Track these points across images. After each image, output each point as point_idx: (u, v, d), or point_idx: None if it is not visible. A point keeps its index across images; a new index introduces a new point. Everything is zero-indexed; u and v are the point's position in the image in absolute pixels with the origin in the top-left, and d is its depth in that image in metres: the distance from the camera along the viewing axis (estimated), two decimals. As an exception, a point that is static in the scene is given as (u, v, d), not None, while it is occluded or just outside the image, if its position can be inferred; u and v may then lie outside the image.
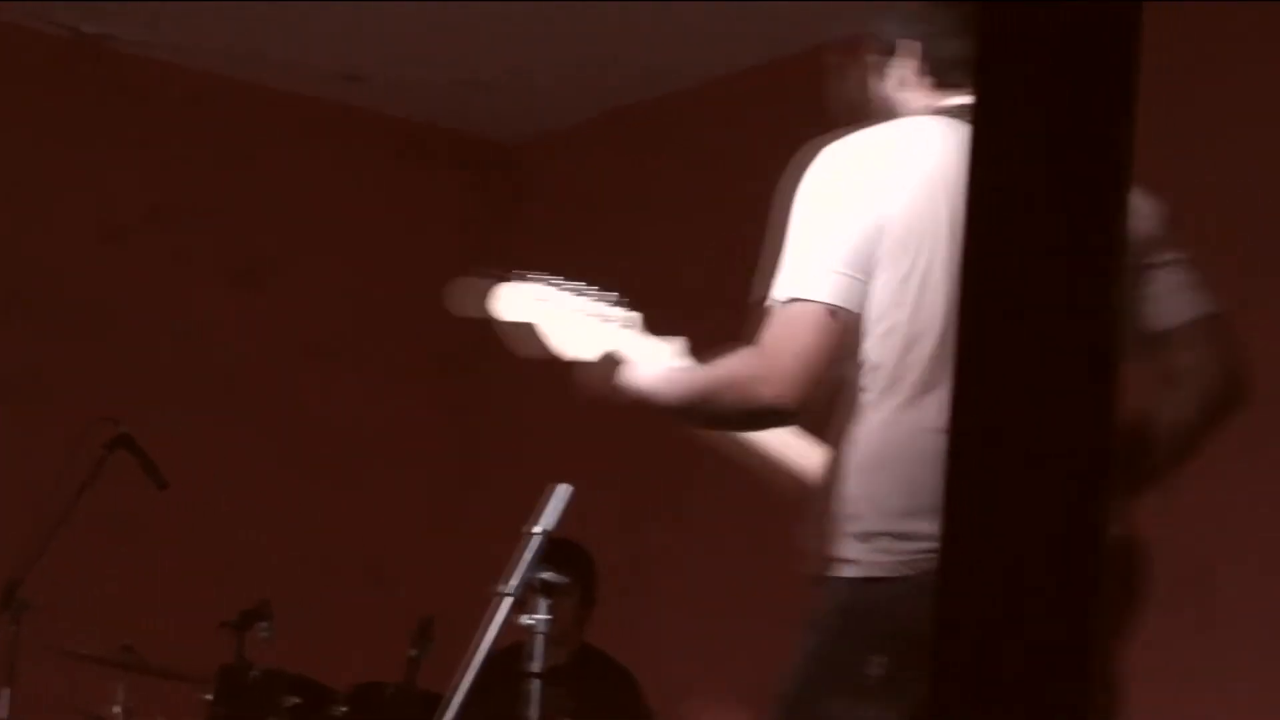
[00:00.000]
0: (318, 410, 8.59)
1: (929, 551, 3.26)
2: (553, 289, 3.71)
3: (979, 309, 1.64)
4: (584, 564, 6.30)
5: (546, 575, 4.93)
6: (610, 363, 3.62)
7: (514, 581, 4.86)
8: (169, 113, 8.39)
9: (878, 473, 3.51)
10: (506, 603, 4.90)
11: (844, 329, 3.46)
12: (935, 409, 3.40)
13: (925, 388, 3.46)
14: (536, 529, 4.90)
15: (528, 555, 4.89)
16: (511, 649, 4.97)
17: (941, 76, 3.78)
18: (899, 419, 3.49)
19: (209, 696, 6.52)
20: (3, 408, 7.37)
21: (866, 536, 3.50)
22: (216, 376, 8.34)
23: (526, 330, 3.60)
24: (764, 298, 3.52)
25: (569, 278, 7.86)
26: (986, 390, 1.61)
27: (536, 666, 5.01)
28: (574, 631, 6.62)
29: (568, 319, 3.78)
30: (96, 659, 6.54)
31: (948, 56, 3.79)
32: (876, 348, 3.50)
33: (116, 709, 6.51)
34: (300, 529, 8.32)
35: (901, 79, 3.83)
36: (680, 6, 7.50)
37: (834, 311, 3.45)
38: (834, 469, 3.55)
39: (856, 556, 3.50)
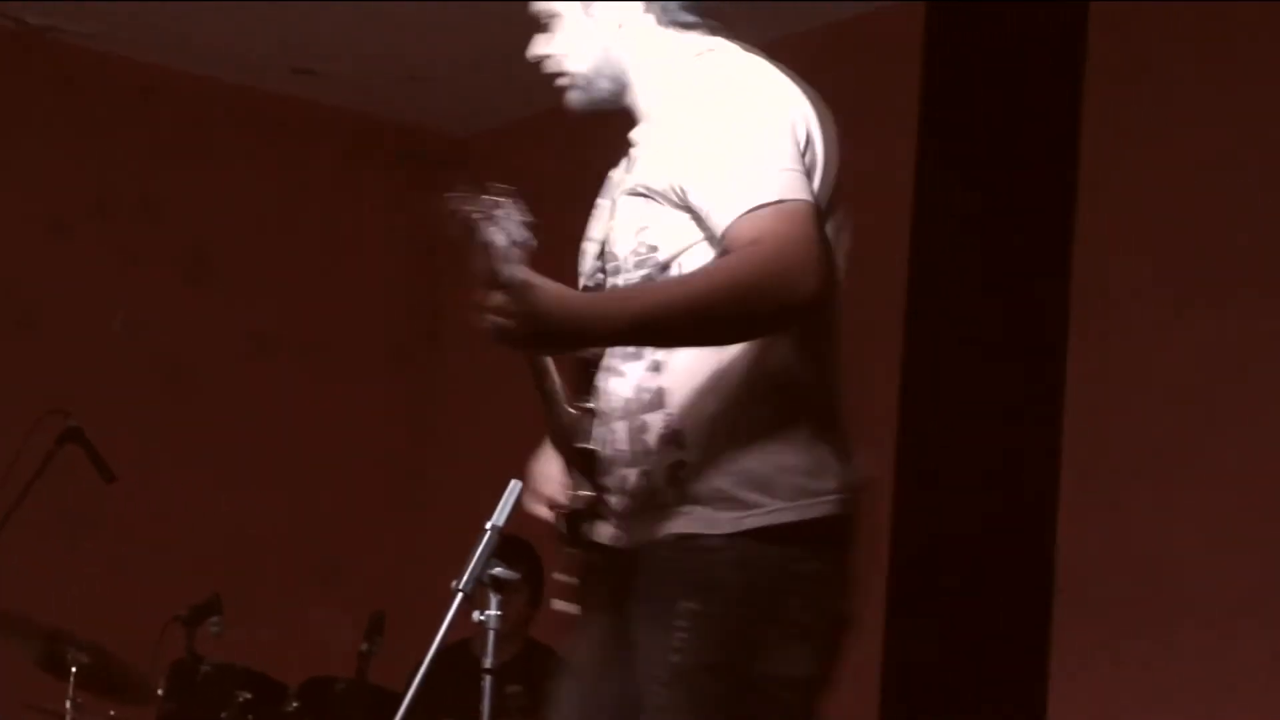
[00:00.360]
0: (268, 405, 8.50)
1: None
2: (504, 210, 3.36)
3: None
4: (533, 560, 6.22)
5: (498, 571, 4.86)
6: (523, 289, 3.26)
7: (467, 578, 4.80)
8: (116, 105, 8.34)
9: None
10: (458, 598, 4.83)
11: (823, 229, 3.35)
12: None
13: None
14: (490, 524, 4.84)
15: (481, 550, 4.82)
16: (461, 644, 4.91)
17: (671, 15, 3.64)
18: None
19: (160, 692, 6.45)
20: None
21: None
22: (165, 370, 8.30)
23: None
24: (733, 204, 3.30)
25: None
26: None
27: (489, 662, 4.94)
28: (522, 627, 6.60)
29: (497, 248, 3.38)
30: (47, 656, 6.44)
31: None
32: None
33: (67, 703, 6.40)
34: (251, 523, 8.23)
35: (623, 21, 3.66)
36: None
37: (819, 210, 3.33)
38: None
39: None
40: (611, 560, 3.48)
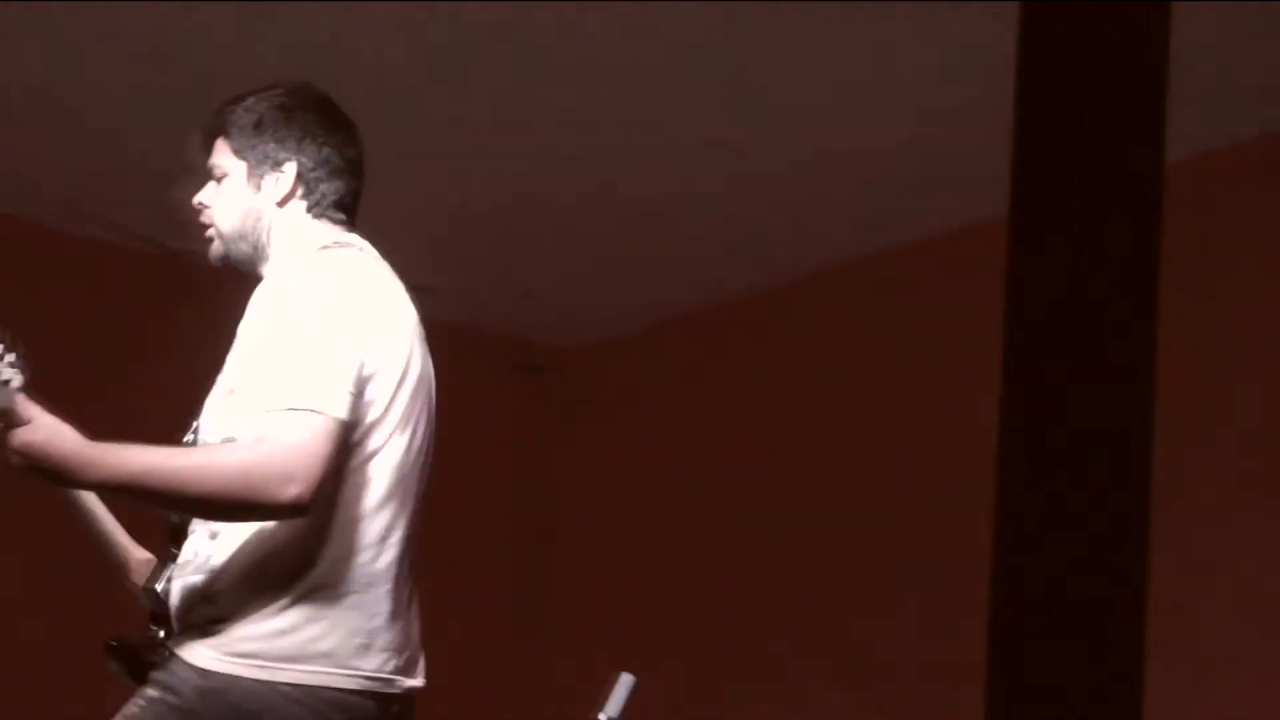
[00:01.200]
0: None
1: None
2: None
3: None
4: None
5: (611, 760, 4.83)
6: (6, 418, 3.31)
7: (585, 766, 4.78)
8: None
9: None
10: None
11: (345, 442, 3.44)
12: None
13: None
14: (602, 716, 4.80)
15: (594, 740, 4.79)
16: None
17: (323, 208, 3.73)
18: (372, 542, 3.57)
19: None
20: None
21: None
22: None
23: None
24: (267, 399, 3.41)
25: (626, 489, 7.70)
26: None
27: None
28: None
29: None
30: None
31: (329, 190, 3.74)
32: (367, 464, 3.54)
33: None
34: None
35: (281, 199, 3.72)
36: (725, 222, 7.44)
37: (345, 425, 3.42)
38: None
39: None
40: None
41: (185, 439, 3.67)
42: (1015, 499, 1.99)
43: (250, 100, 3.73)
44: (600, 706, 4.79)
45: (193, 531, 3.55)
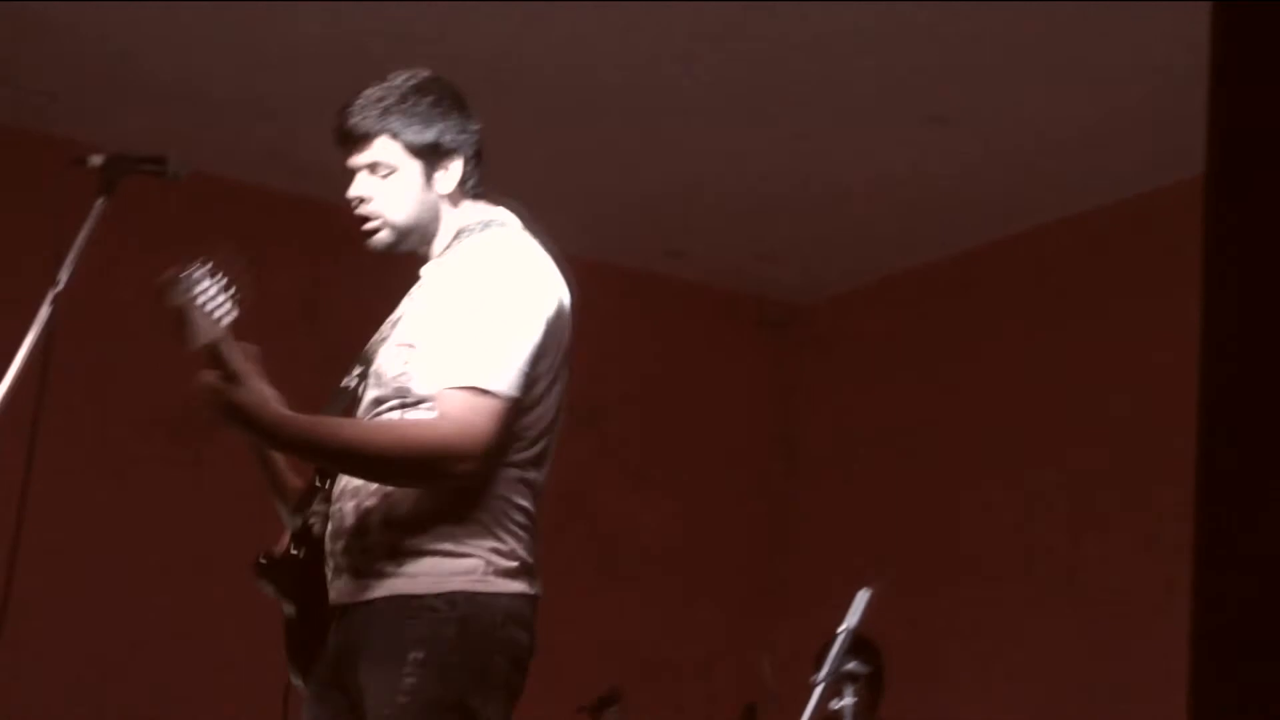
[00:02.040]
0: (647, 527, 8.73)
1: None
2: (199, 277, 3.46)
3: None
4: (878, 656, 6.35)
5: (852, 666, 5.01)
6: (211, 356, 3.37)
7: (825, 672, 4.96)
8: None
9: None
10: (819, 690, 5.00)
11: (517, 418, 3.49)
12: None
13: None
14: (843, 627, 4.99)
15: (836, 649, 4.98)
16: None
17: (477, 190, 3.75)
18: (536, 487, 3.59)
19: (573, 772, 6.67)
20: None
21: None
22: (567, 500, 8.50)
23: (184, 317, 3.41)
24: (449, 374, 3.45)
25: (860, 428, 7.73)
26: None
27: (846, 746, 5.09)
28: (871, 712, 6.66)
29: (194, 308, 3.48)
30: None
31: (479, 173, 3.76)
32: (529, 434, 3.55)
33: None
34: (640, 626, 8.42)
35: (451, 190, 3.71)
36: (947, 184, 7.62)
37: (517, 404, 3.47)
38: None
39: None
40: (325, 616, 3.56)
41: (349, 383, 3.68)
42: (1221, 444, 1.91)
43: (408, 97, 3.66)
44: (844, 618, 5.02)
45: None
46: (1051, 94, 6.76)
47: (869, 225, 8.13)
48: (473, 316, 3.49)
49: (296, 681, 3.64)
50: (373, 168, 3.64)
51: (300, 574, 3.58)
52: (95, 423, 7.10)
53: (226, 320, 3.46)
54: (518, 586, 3.53)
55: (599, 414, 8.69)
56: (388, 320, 3.77)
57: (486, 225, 3.67)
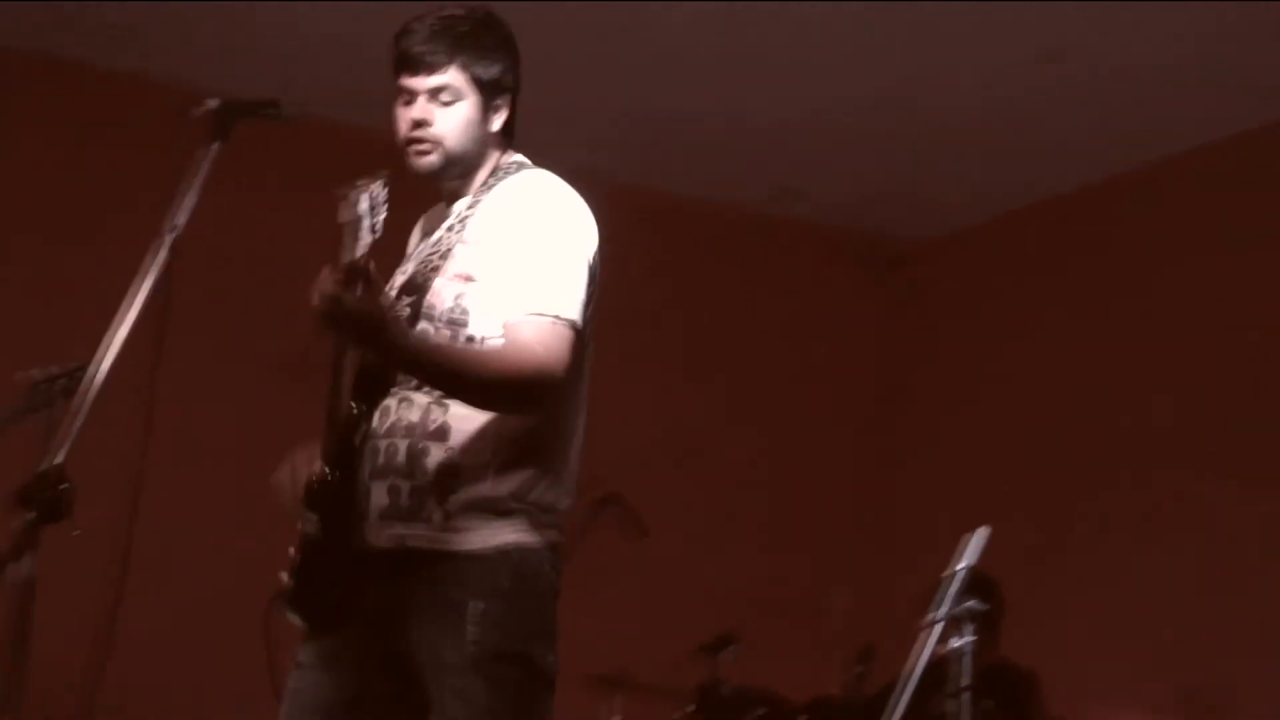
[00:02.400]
0: (758, 469, 8.73)
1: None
2: (366, 197, 3.44)
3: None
4: (996, 593, 6.34)
5: (970, 604, 5.01)
6: (351, 274, 3.34)
7: (943, 610, 4.97)
8: (624, 227, 8.58)
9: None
10: (934, 628, 5.01)
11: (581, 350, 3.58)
12: None
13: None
14: (960, 565, 4.99)
15: (953, 587, 4.98)
16: (940, 665, 5.07)
17: (511, 134, 3.80)
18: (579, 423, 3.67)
19: (690, 710, 6.70)
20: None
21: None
22: (677, 444, 8.54)
23: (348, 232, 3.39)
24: (526, 302, 3.51)
25: (970, 369, 7.66)
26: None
27: (965, 680, 5.10)
28: (989, 650, 6.64)
29: (358, 224, 3.46)
30: (596, 679, 6.72)
31: (514, 116, 3.80)
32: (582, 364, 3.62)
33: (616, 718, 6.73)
34: (757, 568, 8.42)
35: (501, 127, 3.76)
36: (1057, 122, 7.54)
37: (582, 333, 3.56)
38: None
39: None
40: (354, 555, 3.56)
41: (400, 313, 3.62)
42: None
43: (480, 30, 3.72)
44: (958, 558, 5.03)
45: (399, 395, 3.59)
46: (1164, 29, 6.67)
47: (980, 165, 8.07)
48: (542, 249, 3.55)
49: (294, 618, 3.63)
50: (436, 93, 3.67)
51: (330, 499, 3.59)
52: (215, 367, 7.17)
53: (370, 241, 3.45)
54: (554, 536, 3.62)
55: (708, 358, 8.70)
56: (414, 254, 3.79)
57: (522, 166, 3.75)
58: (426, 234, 3.84)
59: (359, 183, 3.43)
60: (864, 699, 6.45)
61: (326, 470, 3.56)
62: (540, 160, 3.80)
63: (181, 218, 3.34)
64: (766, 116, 7.70)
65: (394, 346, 3.42)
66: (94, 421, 3.21)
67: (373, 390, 3.61)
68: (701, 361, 8.74)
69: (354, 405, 3.59)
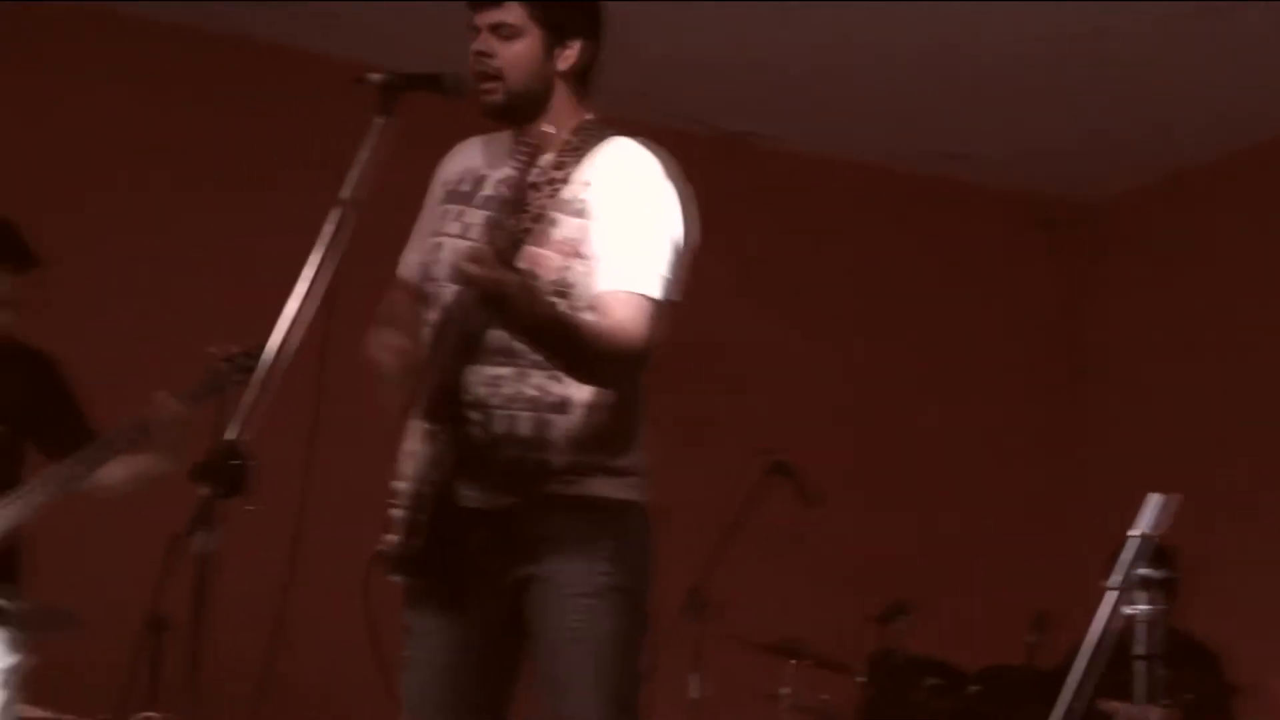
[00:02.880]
0: (935, 434, 8.66)
1: None
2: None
3: None
4: (1172, 561, 6.25)
5: (1146, 571, 4.92)
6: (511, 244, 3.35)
7: (1119, 577, 4.88)
8: (795, 194, 8.62)
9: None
10: (1112, 596, 4.92)
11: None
12: None
13: None
14: (1137, 532, 4.91)
15: (1131, 554, 4.90)
16: (1115, 634, 4.98)
17: (589, 85, 3.80)
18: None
19: (862, 679, 6.68)
20: (691, 448, 7.55)
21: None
22: (850, 410, 8.50)
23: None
24: (621, 278, 3.57)
25: (1151, 330, 7.48)
26: None
27: (1141, 650, 5.01)
28: (1165, 618, 6.55)
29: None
30: (767, 648, 6.71)
31: (595, 75, 3.80)
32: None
33: (785, 690, 6.69)
34: (930, 537, 8.39)
35: (565, 70, 3.76)
36: (1246, 66, 7.39)
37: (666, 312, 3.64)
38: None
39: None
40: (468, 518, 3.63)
41: (510, 238, 3.61)
42: None
43: None
44: (1137, 524, 4.93)
45: (507, 367, 3.64)
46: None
47: (1155, 120, 7.95)
48: (644, 227, 3.63)
49: (399, 578, 3.69)
50: (496, 27, 3.69)
51: (429, 460, 3.65)
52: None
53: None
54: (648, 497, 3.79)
55: (882, 324, 8.65)
56: (481, 196, 3.80)
57: (605, 128, 3.74)
58: (472, 169, 3.86)
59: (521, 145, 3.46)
60: (1037, 668, 6.40)
61: (434, 428, 3.63)
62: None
63: (351, 191, 3.36)
64: (935, 79, 7.61)
65: (534, 313, 3.45)
66: (267, 396, 3.23)
67: (470, 352, 3.65)
68: (878, 328, 8.69)
69: (453, 367, 3.64)
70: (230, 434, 3.18)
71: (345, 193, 3.34)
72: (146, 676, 4.94)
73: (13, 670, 4.91)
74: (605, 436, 3.68)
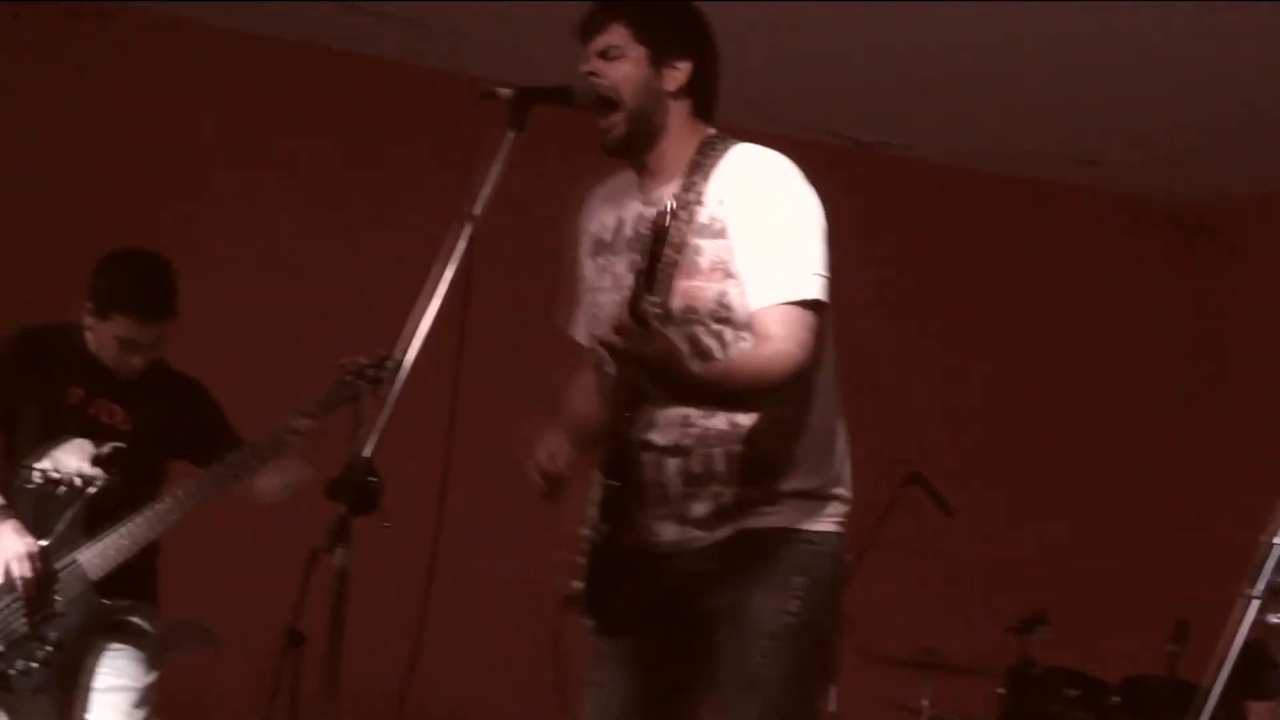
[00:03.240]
0: (1068, 445, 8.58)
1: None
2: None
3: None
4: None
5: (1281, 578, 4.84)
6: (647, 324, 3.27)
7: (1260, 586, 4.81)
8: (925, 203, 8.56)
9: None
10: (1254, 605, 4.85)
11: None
12: None
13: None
14: (1278, 539, 4.83)
15: (1272, 563, 4.82)
16: (1257, 643, 4.92)
17: (709, 103, 3.75)
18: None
19: (1001, 690, 6.63)
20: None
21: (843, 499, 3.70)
22: (983, 420, 8.45)
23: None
24: (771, 292, 3.52)
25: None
26: None
27: (1282, 659, 4.95)
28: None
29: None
30: (904, 661, 6.70)
31: (713, 97, 3.75)
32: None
33: (924, 702, 6.67)
34: (1067, 546, 8.31)
35: (675, 90, 3.72)
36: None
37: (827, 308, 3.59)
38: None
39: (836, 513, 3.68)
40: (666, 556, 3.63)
41: (645, 309, 3.54)
42: None
43: None
44: (1273, 530, 4.85)
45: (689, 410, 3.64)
46: None
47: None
48: (783, 232, 3.57)
49: (586, 621, 3.67)
50: (604, 52, 3.70)
51: (615, 506, 3.63)
52: (514, 354, 7.25)
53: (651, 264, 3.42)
54: (845, 522, 3.73)
55: (1015, 332, 8.58)
56: (619, 240, 3.78)
57: (727, 141, 3.71)
58: (610, 215, 3.83)
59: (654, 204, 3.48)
60: (1178, 678, 6.34)
61: (608, 480, 3.62)
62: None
63: (480, 205, 3.36)
64: (1067, 87, 7.55)
65: (683, 384, 3.45)
66: (400, 412, 3.24)
67: (638, 399, 3.65)
68: (1010, 336, 8.63)
69: (627, 415, 3.64)
70: (364, 450, 3.20)
71: (476, 207, 3.36)
72: (285, 692, 4.98)
73: (151, 688, 4.99)
74: (799, 459, 3.63)
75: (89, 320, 5.00)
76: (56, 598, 4.88)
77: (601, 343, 3.33)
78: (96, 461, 4.98)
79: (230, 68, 7.37)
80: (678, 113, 3.72)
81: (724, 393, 3.54)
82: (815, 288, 3.55)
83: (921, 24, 6.96)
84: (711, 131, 3.75)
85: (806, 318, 3.53)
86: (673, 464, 3.64)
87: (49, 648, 4.86)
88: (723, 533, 3.62)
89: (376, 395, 4.39)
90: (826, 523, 3.65)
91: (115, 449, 5.00)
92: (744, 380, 3.52)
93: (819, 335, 3.55)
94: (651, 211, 3.57)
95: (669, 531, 3.64)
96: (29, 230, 6.81)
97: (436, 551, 3.60)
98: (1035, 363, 8.66)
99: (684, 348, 3.54)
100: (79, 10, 7.08)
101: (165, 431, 5.07)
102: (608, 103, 3.67)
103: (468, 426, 3.70)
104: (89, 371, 5.02)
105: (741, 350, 3.57)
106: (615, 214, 3.81)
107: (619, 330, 3.29)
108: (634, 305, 3.28)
